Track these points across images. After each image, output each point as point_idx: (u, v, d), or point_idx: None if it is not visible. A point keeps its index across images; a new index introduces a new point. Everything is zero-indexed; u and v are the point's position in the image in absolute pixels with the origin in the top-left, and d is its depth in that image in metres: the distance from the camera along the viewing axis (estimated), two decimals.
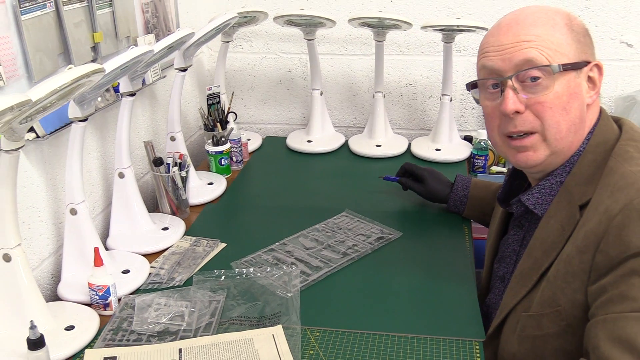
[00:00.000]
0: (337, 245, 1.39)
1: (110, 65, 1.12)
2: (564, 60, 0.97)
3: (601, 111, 1.05)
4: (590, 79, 1.01)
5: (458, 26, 1.78)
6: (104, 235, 1.45)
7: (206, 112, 1.79)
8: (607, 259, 0.88)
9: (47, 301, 1.13)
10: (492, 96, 1.04)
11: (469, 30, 1.80)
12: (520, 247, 1.12)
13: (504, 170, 1.89)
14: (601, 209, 0.91)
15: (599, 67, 1.01)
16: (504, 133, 1.04)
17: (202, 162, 1.88)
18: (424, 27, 1.82)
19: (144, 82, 1.63)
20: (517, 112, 0.99)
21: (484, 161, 1.86)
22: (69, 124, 1.22)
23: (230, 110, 1.87)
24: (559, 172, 1.04)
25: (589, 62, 1.00)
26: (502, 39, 1.01)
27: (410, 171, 1.58)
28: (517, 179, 1.18)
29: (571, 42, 0.99)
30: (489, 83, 1.04)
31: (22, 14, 1.16)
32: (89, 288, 1.16)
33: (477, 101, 1.09)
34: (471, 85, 1.09)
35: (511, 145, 1.04)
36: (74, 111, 1.18)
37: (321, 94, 2.05)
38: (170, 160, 1.53)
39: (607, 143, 1.00)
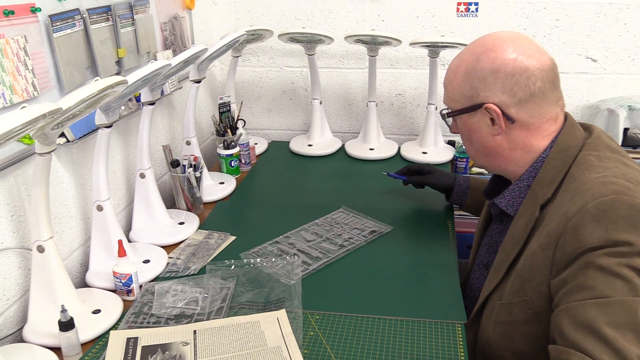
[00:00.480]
0: (334, 238, 1.39)
1: (132, 78, 1.12)
2: (456, 106, 1.07)
3: (566, 119, 1.05)
4: (490, 115, 1.03)
5: (442, 43, 1.78)
6: (127, 229, 1.44)
7: (218, 119, 1.79)
8: (565, 254, 0.88)
9: (76, 288, 1.13)
10: None
11: (452, 47, 1.81)
12: (500, 238, 1.13)
13: (484, 171, 1.89)
14: (561, 211, 0.91)
15: (491, 107, 1.01)
16: None
17: (214, 164, 1.87)
18: (412, 44, 1.82)
19: (162, 92, 1.63)
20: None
21: (465, 163, 1.86)
22: (95, 129, 1.21)
23: (239, 118, 1.86)
24: (525, 177, 1.05)
25: (481, 105, 1.02)
26: None
27: (414, 171, 1.56)
28: (501, 177, 1.17)
29: (462, 91, 1.04)
30: None
31: (54, 32, 1.16)
32: (114, 276, 1.16)
33: None
34: None
35: None
36: (100, 118, 1.17)
37: (320, 103, 2.04)
38: (186, 162, 1.53)
39: (568, 150, 1.00)
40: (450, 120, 1.12)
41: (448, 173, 1.54)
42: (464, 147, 1.88)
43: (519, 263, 0.99)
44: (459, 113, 1.07)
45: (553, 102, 1.02)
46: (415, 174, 1.56)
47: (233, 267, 1.27)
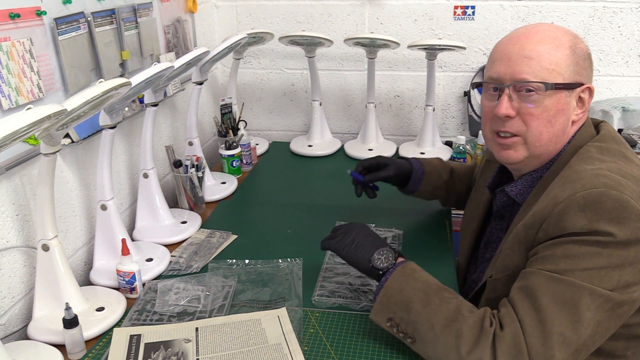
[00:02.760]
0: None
1: (136, 79, 1.12)
2: (559, 79, 0.96)
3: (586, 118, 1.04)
4: (580, 99, 1.00)
5: (440, 45, 1.77)
6: (130, 228, 1.44)
7: (220, 120, 1.79)
8: (546, 235, 0.90)
9: (80, 286, 1.12)
10: (491, 98, 1.03)
11: (449, 49, 1.80)
12: (501, 234, 1.13)
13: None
14: (551, 195, 0.92)
15: (590, 90, 1.00)
16: (494, 130, 1.03)
17: (216, 164, 1.87)
18: (410, 47, 1.82)
19: (165, 94, 1.63)
20: (508, 117, 0.99)
21: (463, 163, 1.86)
22: (99, 130, 1.21)
23: (240, 119, 1.86)
24: (540, 169, 1.04)
25: (582, 84, 0.99)
26: (509, 50, 0.99)
27: (370, 166, 1.37)
28: (506, 172, 1.16)
29: (569, 64, 0.97)
30: (490, 86, 1.03)
31: (59, 35, 1.16)
32: (117, 274, 1.16)
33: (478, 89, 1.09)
34: (476, 85, 1.08)
35: (497, 141, 1.04)
36: (104, 119, 1.17)
37: (320, 105, 2.04)
38: (188, 163, 1.53)
39: (580, 146, 1.00)
40: (539, 95, 0.96)
41: (401, 160, 1.40)
42: (466, 145, 1.81)
43: (507, 242, 1.00)
44: (565, 87, 0.96)
45: None
46: (372, 169, 1.38)
47: (235, 266, 1.26)
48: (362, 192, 1.36)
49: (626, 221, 0.84)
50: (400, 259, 1.03)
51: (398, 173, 1.37)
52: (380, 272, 1.01)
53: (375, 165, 1.37)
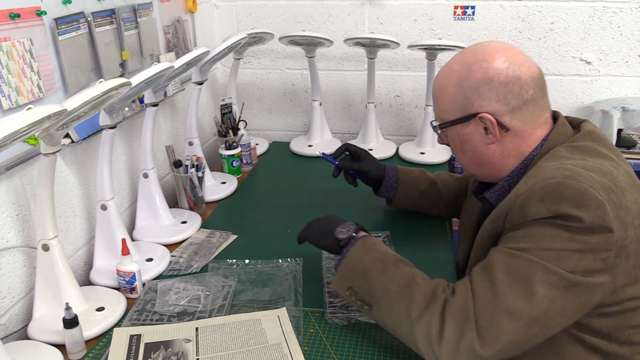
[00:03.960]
0: None
1: (136, 79, 1.12)
2: (448, 117, 1.04)
3: (557, 119, 1.04)
4: (485, 127, 1.01)
5: (440, 45, 1.77)
6: (130, 228, 1.44)
7: (220, 120, 1.79)
8: (512, 226, 0.92)
9: (80, 286, 1.12)
10: None
11: (449, 49, 1.80)
12: None
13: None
14: (514, 190, 0.94)
15: (482, 118, 0.99)
16: None
17: (216, 164, 1.87)
18: (410, 47, 1.82)
19: (165, 94, 1.62)
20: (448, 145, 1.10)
21: None
22: (99, 130, 1.21)
23: (240, 119, 1.86)
24: (515, 173, 1.04)
25: (476, 114, 0.99)
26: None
27: (350, 152, 1.44)
28: None
29: (454, 100, 1.02)
30: None
31: (59, 35, 1.16)
32: (117, 274, 1.16)
33: None
34: None
35: None
36: (104, 119, 1.17)
37: (320, 105, 2.04)
38: (188, 163, 1.53)
39: (551, 148, 1.00)
40: (442, 131, 1.08)
41: (379, 163, 1.44)
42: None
43: (477, 239, 1.02)
44: (452, 124, 1.04)
45: (543, 108, 1.02)
46: (351, 155, 1.44)
47: (235, 266, 1.26)
48: (339, 174, 1.42)
49: (586, 209, 0.84)
50: (362, 233, 1.08)
51: (373, 173, 1.42)
52: (342, 244, 1.06)
53: (356, 155, 1.43)
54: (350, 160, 1.43)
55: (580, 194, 0.85)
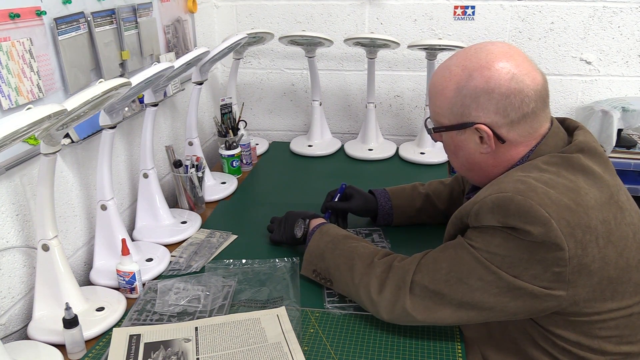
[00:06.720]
0: None
1: (136, 79, 1.12)
2: (444, 121, 1.01)
3: (552, 125, 1.00)
4: (481, 137, 0.98)
5: (440, 45, 1.77)
6: (130, 228, 1.44)
7: (220, 120, 1.79)
8: (471, 225, 0.96)
9: (80, 286, 1.12)
10: None
11: (449, 49, 1.80)
12: None
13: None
14: (475, 195, 0.95)
15: (479, 129, 0.96)
16: None
17: (216, 164, 1.87)
18: (410, 47, 1.82)
19: (165, 94, 1.63)
20: None
21: None
22: (99, 130, 1.21)
23: (240, 119, 1.86)
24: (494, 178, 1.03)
25: (473, 123, 0.96)
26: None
27: (334, 206, 1.38)
28: None
29: (452, 106, 0.98)
30: None
31: (59, 35, 1.16)
32: (117, 274, 1.16)
33: None
34: None
35: None
36: (104, 119, 1.17)
37: (320, 105, 2.04)
38: (188, 163, 1.53)
39: (539, 156, 0.99)
40: (435, 134, 1.06)
41: (367, 195, 1.40)
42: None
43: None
44: (447, 129, 1.01)
45: (543, 120, 0.98)
46: (343, 199, 1.40)
47: (234, 266, 1.26)
48: (331, 216, 1.39)
49: (532, 225, 0.85)
50: (317, 222, 1.24)
51: (362, 208, 1.39)
52: (302, 241, 1.25)
53: (346, 196, 1.40)
54: (342, 203, 1.38)
55: (526, 211, 0.86)
